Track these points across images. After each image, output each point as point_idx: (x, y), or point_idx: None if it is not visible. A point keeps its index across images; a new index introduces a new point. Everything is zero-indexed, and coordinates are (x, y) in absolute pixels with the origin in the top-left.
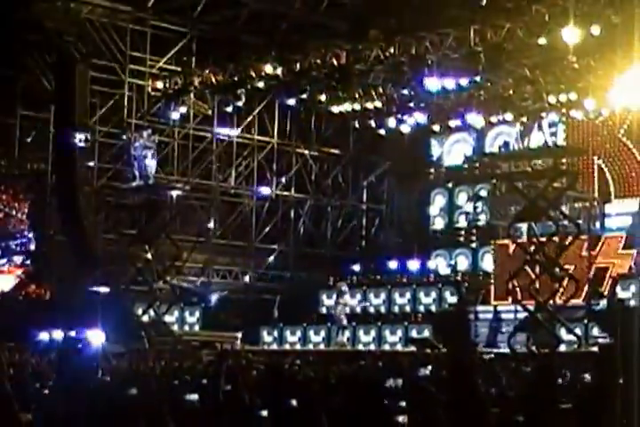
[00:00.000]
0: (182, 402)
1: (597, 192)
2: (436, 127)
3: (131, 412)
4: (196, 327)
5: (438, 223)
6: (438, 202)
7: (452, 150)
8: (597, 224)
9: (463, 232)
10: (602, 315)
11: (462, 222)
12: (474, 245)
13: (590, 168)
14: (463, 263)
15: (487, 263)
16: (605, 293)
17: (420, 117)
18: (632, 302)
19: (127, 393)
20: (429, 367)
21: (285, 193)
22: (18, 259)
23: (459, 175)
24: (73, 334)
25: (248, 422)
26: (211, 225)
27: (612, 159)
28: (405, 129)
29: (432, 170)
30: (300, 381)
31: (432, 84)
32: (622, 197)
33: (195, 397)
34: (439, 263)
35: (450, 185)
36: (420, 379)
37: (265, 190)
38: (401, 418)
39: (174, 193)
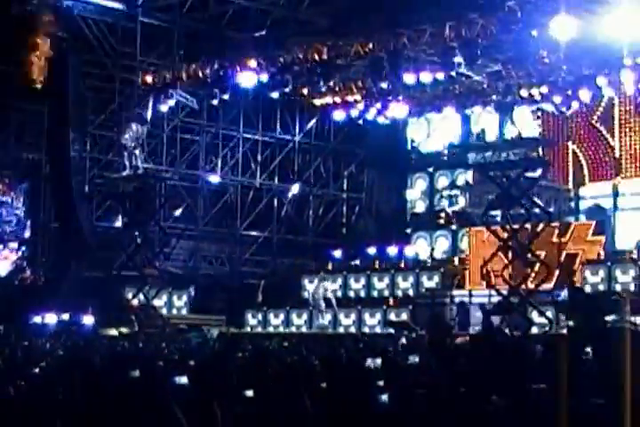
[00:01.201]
0: (172, 383)
1: (572, 176)
2: (414, 119)
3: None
4: (184, 311)
5: (419, 206)
6: (419, 186)
7: (431, 140)
8: (572, 206)
9: (443, 215)
10: (563, 304)
11: (443, 206)
12: (454, 227)
13: (565, 153)
14: (444, 244)
15: (465, 245)
16: (575, 278)
17: (399, 109)
18: (600, 288)
19: (125, 375)
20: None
21: (269, 182)
22: (13, 245)
23: (438, 161)
24: (66, 317)
25: (234, 402)
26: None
27: (585, 145)
28: (384, 120)
29: (412, 155)
30: (284, 362)
31: (410, 78)
32: (596, 180)
33: (184, 379)
34: (420, 245)
35: (430, 169)
36: (400, 359)
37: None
38: (383, 397)
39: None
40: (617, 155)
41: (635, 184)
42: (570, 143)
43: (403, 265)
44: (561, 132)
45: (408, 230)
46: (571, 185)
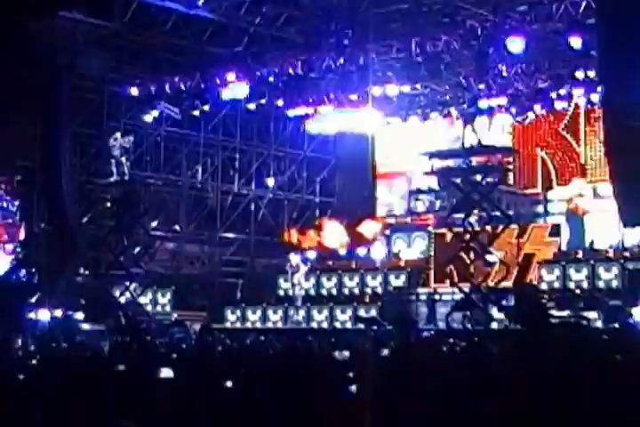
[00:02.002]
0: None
1: (541, 180)
2: (383, 128)
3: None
4: (168, 307)
5: (397, 209)
6: (398, 190)
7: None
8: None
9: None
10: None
11: (421, 208)
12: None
13: (534, 159)
14: (420, 245)
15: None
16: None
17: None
18: (555, 285)
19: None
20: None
21: (247, 188)
22: (9, 247)
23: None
24: (59, 313)
25: (216, 393)
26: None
27: (553, 151)
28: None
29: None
30: (262, 355)
31: (377, 90)
32: (563, 184)
33: (169, 371)
34: (399, 245)
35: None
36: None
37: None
38: (352, 387)
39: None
40: (582, 161)
41: (599, 188)
42: (539, 150)
43: (372, 265)
44: (531, 140)
45: (387, 231)
46: (540, 189)
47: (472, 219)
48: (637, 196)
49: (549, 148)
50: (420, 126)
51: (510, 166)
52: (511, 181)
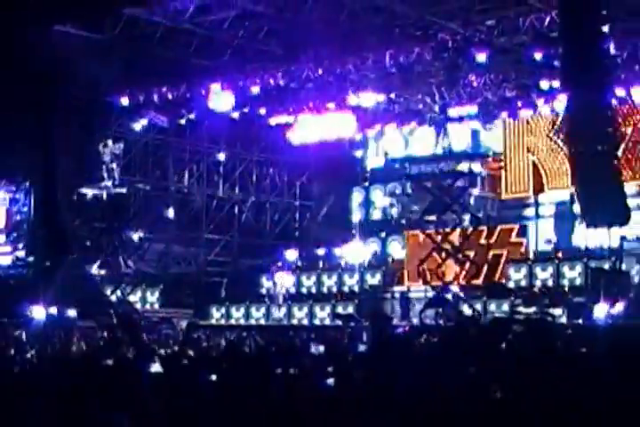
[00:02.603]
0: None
1: (532, 184)
2: (359, 136)
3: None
4: (156, 305)
5: (376, 214)
6: (377, 195)
7: (375, 154)
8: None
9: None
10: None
11: (395, 211)
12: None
13: (525, 164)
14: (397, 247)
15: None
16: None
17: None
18: (522, 284)
19: (103, 362)
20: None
21: (230, 192)
22: (7, 249)
23: (379, 175)
24: (53, 310)
25: (198, 386)
26: (169, 216)
27: (544, 155)
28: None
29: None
30: (243, 349)
31: (354, 99)
32: (554, 188)
33: (157, 366)
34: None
35: (366, 184)
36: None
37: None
38: (329, 381)
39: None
40: None
41: None
42: (530, 155)
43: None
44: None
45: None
46: (531, 192)
47: (443, 221)
48: (597, 201)
49: (540, 152)
50: (395, 133)
51: (486, 172)
52: (479, 185)
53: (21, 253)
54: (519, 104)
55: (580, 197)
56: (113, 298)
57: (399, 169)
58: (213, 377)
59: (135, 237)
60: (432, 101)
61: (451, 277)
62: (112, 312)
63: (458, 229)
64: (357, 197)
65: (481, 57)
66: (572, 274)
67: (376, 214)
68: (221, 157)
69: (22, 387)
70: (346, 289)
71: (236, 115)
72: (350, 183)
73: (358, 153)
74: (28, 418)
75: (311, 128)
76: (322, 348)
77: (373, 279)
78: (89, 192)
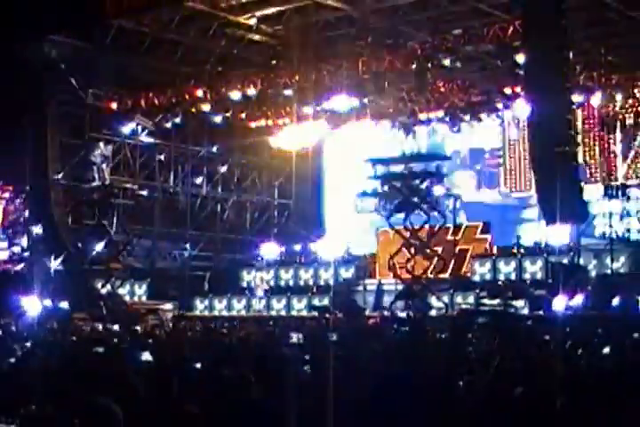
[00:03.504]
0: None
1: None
2: (334, 138)
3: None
4: (144, 298)
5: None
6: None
7: (346, 156)
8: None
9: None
10: None
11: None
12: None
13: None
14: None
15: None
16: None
17: (321, 129)
18: (486, 277)
19: (94, 351)
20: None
21: (213, 191)
22: (4, 244)
23: (351, 175)
24: (47, 303)
25: (185, 373)
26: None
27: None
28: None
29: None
30: (227, 339)
31: (328, 104)
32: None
33: (147, 355)
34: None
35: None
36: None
37: None
38: (305, 367)
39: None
40: None
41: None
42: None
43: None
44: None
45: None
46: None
47: (412, 218)
48: (556, 200)
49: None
50: (366, 135)
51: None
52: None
53: (17, 249)
54: (484, 109)
55: (540, 196)
56: (103, 291)
57: (371, 169)
58: (198, 365)
59: (124, 233)
60: (402, 106)
61: (419, 271)
62: (102, 304)
63: (426, 226)
64: (331, 195)
65: (448, 64)
66: (534, 268)
67: (349, 211)
68: (204, 158)
69: (16, 372)
70: (321, 282)
71: (218, 119)
72: (324, 183)
73: (331, 155)
74: (18, 398)
75: (292, 136)
76: (301, 336)
77: (347, 273)
78: (81, 192)
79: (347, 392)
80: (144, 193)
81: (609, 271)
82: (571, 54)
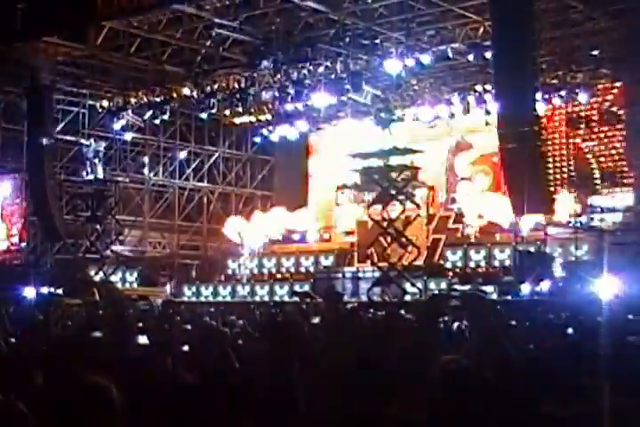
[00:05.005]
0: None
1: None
2: (315, 135)
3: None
4: (135, 285)
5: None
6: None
7: (327, 150)
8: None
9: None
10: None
11: (347, 200)
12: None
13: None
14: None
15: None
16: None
17: (302, 126)
18: (458, 264)
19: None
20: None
21: (200, 184)
22: (2, 235)
23: (332, 168)
24: (44, 290)
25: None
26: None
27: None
28: (290, 135)
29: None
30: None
31: (309, 101)
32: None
33: (144, 338)
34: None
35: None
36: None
37: None
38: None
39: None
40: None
41: None
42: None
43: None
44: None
45: None
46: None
47: (389, 209)
48: (523, 193)
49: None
50: (346, 131)
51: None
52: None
53: (15, 239)
54: (455, 105)
55: (508, 188)
56: (96, 278)
57: (350, 162)
58: (185, 348)
59: (116, 224)
60: (379, 102)
61: (395, 259)
62: (96, 291)
63: (402, 216)
64: (312, 188)
65: (422, 63)
66: (502, 256)
67: (329, 204)
68: (192, 152)
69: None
70: (302, 270)
71: (204, 115)
72: (306, 176)
73: (312, 149)
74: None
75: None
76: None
77: (327, 261)
78: (75, 185)
79: (327, 374)
80: (134, 186)
81: (573, 259)
82: (537, 53)
